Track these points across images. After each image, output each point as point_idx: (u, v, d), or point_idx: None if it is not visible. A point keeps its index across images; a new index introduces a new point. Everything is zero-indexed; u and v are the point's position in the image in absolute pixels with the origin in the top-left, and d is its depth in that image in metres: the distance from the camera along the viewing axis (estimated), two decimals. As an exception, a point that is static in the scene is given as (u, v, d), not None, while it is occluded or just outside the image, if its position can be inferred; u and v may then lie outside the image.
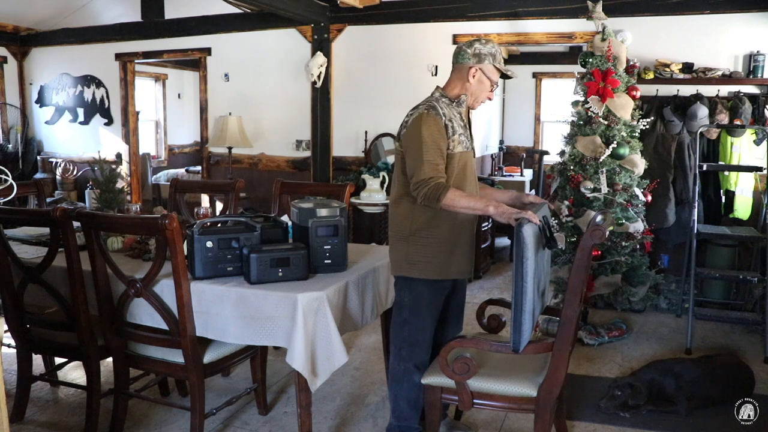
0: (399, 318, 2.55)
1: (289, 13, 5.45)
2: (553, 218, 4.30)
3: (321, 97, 6.04)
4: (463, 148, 2.46)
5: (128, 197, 6.82)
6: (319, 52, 5.90)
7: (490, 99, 2.58)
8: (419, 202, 2.37)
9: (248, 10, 6.16)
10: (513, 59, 9.06)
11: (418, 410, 2.58)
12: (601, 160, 4.26)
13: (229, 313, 2.41)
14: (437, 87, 2.56)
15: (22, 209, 3.30)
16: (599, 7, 4.49)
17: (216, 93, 6.60)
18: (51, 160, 7.52)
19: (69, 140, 7.50)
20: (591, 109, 4.31)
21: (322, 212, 2.60)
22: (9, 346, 3.16)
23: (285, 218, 2.88)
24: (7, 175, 4.13)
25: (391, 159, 5.84)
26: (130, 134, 7.16)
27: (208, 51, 6.55)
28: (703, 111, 4.61)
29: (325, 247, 2.58)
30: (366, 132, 5.96)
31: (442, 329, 2.67)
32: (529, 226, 2.11)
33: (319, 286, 2.42)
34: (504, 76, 2.54)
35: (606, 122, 4.29)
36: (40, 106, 7.64)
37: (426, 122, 2.37)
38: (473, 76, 2.48)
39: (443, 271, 2.49)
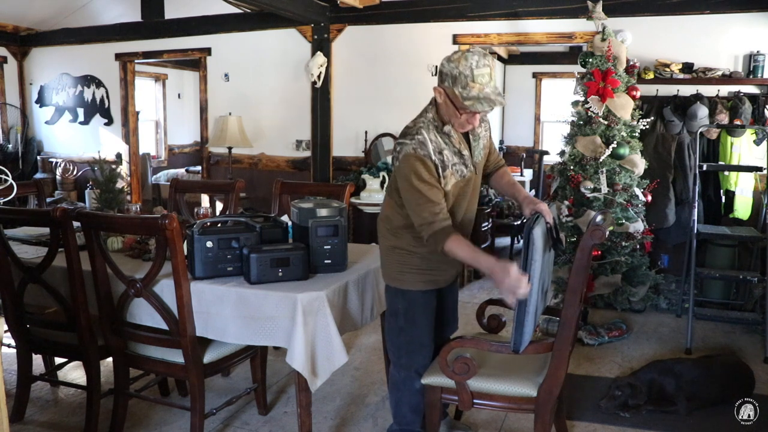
0: (395, 326, 2.50)
1: (289, 13, 5.45)
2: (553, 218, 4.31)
3: (321, 97, 6.04)
4: (458, 178, 2.30)
5: (128, 197, 6.82)
6: (319, 52, 5.90)
7: (471, 124, 2.26)
8: (426, 244, 2.27)
9: (248, 10, 6.16)
10: (513, 59, 9.08)
11: (420, 414, 2.56)
12: (601, 160, 4.26)
13: (229, 313, 2.41)
14: (432, 104, 2.33)
15: (22, 209, 3.30)
16: (599, 7, 4.49)
17: (216, 93, 6.60)
18: (51, 160, 7.52)
19: (69, 140, 7.50)
20: (591, 109, 4.31)
21: (322, 212, 2.60)
22: (9, 346, 3.16)
23: (285, 218, 2.88)
24: (7, 175, 4.13)
25: (390, 159, 5.84)
26: (130, 134, 7.17)
27: (208, 51, 6.55)
28: (703, 111, 4.61)
29: (325, 247, 2.58)
30: (366, 132, 5.96)
31: (440, 330, 2.66)
32: (539, 228, 2.11)
33: (319, 286, 2.42)
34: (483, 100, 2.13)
35: (606, 122, 4.29)
36: (40, 106, 7.64)
37: (414, 167, 2.19)
38: (440, 97, 2.24)
39: (434, 282, 2.47)
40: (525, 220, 2.24)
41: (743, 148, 4.66)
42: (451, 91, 2.19)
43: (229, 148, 6.21)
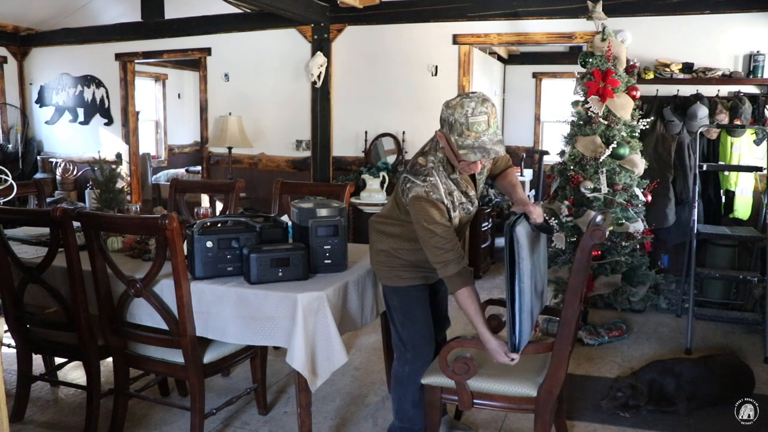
0: (396, 322, 2.56)
1: (289, 13, 5.45)
2: (553, 218, 4.31)
3: (321, 97, 6.04)
4: (464, 214, 2.37)
5: (128, 197, 6.82)
6: (319, 52, 5.90)
7: (473, 171, 2.28)
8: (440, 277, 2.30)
9: (248, 10, 6.16)
10: (513, 59, 9.08)
11: (421, 411, 2.57)
12: (601, 160, 4.26)
13: (229, 313, 2.41)
14: (436, 144, 2.32)
15: (22, 209, 3.30)
16: (599, 7, 4.49)
17: (216, 93, 6.60)
18: (51, 160, 7.52)
19: (69, 140, 7.50)
20: (591, 109, 4.31)
21: (322, 212, 2.60)
22: (9, 346, 3.16)
23: (285, 218, 2.88)
24: (7, 175, 4.13)
25: (390, 159, 5.84)
26: (130, 134, 7.17)
27: (208, 51, 6.55)
28: (703, 111, 4.61)
29: (325, 247, 2.58)
30: (366, 132, 5.96)
31: (435, 323, 2.67)
32: (522, 226, 2.12)
33: (319, 286, 2.42)
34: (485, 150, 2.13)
35: (606, 122, 4.29)
36: (40, 106, 7.64)
37: (427, 211, 2.21)
38: (441, 140, 2.25)
39: (425, 278, 2.52)
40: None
41: (743, 148, 4.66)
42: (449, 137, 2.19)
43: (229, 148, 6.21)
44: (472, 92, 2.20)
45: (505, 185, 2.58)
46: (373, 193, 5.57)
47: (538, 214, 2.24)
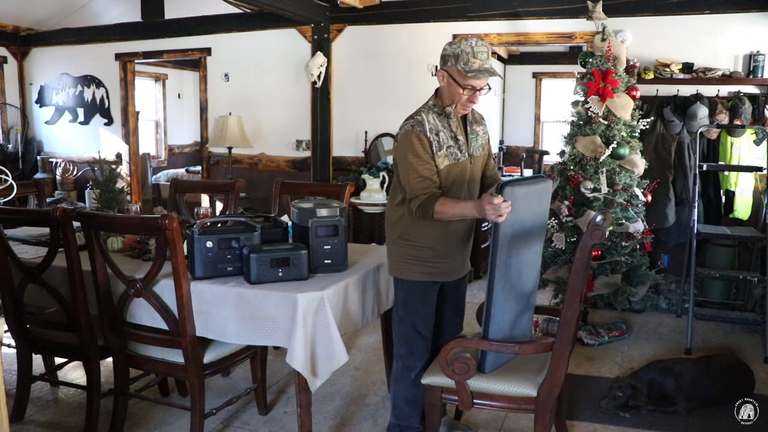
0: (396, 316, 2.60)
1: (289, 13, 5.45)
2: (552, 218, 4.31)
3: (321, 97, 6.04)
4: (452, 161, 2.42)
5: (128, 197, 6.81)
6: (319, 52, 5.90)
7: (473, 102, 2.43)
8: (415, 216, 2.40)
9: (248, 10, 6.16)
10: (513, 59, 9.07)
11: (417, 409, 2.59)
12: (601, 160, 4.26)
13: (229, 313, 2.41)
14: (435, 93, 2.50)
15: (22, 209, 3.30)
16: (599, 7, 4.49)
17: (216, 93, 6.60)
18: (51, 160, 7.52)
19: (69, 140, 7.50)
20: (591, 109, 4.31)
21: (322, 212, 2.60)
22: (9, 346, 3.16)
23: (285, 218, 2.88)
24: (7, 175, 4.13)
25: (390, 159, 5.83)
26: (130, 134, 7.16)
27: (208, 51, 6.55)
28: (703, 111, 4.61)
29: (325, 247, 2.58)
30: (366, 132, 5.96)
31: (442, 329, 2.67)
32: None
33: (319, 286, 2.42)
34: (485, 72, 2.33)
35: (606, 122, 4.29)
36: (40, 106, 7.64)
37: (410, 141, 2.36)
38: (443, 80, 2.42)
39: (431, 275, 2.52)
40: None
41: (743, 148, 4.66)
42: (453, 69, 2.36)
43: (229, 148, 6.21)
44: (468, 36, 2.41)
45: (487, 177, 2.65)
46: (373, 193, 5.57)
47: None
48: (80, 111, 7.36)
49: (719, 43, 4.77)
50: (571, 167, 4.38)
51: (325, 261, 2.59)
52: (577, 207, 4.33)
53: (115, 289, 2.58)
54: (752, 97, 4.64)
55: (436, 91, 2.49)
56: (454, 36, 5.53)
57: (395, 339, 2.60)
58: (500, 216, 2.10)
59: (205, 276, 2.48)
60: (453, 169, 2.43)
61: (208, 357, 2.59)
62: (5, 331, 2.85)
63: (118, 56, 7.01)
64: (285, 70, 6.20)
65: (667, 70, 4.77)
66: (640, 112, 4.53)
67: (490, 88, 2.45)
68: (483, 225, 5.74)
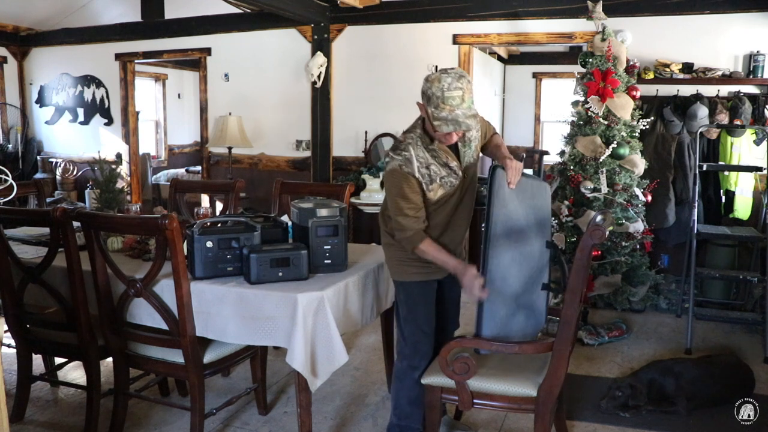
0: (399, 316, 2.60)
1: (289, 13, 5.45)
2: (552, 218, 4.30)
3: (321, 97, 6.04)
4: (447, 189, 2.39)
5: (128, 197, 6.81)
6: (319, 52, 5.90)
7: (450, 142, 2.32)
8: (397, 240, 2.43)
9: (248, 10, 6.16)
10: (513, 59, 9.08)
11: (418, 409, 2.58)
12: (601, 160, 4.26)
13: (229, 313, 2.41)
14: (419, 120, 2.39)
15: (22, 209, 3.30)
16: (599, 7, 4.49)
17: (216, 93, 6.60)
18: (51, 160, 7.52)
19: (69, 140, 7.50)
20: (591, 109, 4.32)
21: (322, 212, 2.60)
22: (9, 346, 3.16)
23: (285, 218, 2.88)
24: (7, 175, 4.13)
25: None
26: (130, 134, 7.16)
27: (208, 51, 6.55)
28: (703, 111, 4.61)
29: (325, 247, 2.58)
30: (366, 132, 5.96)
31: (442, 326, 2.68)
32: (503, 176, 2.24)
33: (319, 286, 2.42)
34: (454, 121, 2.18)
35: (606, 122, 4.29)
36: (40, 106, 7.64)
37: (398, 183, 2.32)
38: (422, 112, 2.32)
39: (428, 273, 2.53)
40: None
41: (743, 148, 4.66)
42: (426, 109, 2.27)
43: (229, 148, 6.21)
44: (451, 68, 2.28)
45: (491, 148, 2.63)
46: (373, 193, 5.57)
47: (512, 168, 2.26)
48: (80, 111, 7.36)
49: (719, 43, 4.77)
50: (571, 167, 4.38)
51: (325, 261, 2.59)
52: (577, 207, 4.33)
53: (115, 289, 2.58)
54: (752, 97, 4.64)
55: (419, 121, 2.40)
56: (455, 37, 5.54)
57: (401, 339, 2.59)
58: (470, 293, 2.21)
59: (205, 276, 2.48)
60: (449, 197, 2.43)
61: (208, 357, 2.59)
62: (5, 331, 2.85)
63: (118, 56, 7.01)
64: (285, 70, 6.20)
65: (667, 70, 4.77)
66: (640, 112, 4.54)
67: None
68: (483, 225, 5.74)
